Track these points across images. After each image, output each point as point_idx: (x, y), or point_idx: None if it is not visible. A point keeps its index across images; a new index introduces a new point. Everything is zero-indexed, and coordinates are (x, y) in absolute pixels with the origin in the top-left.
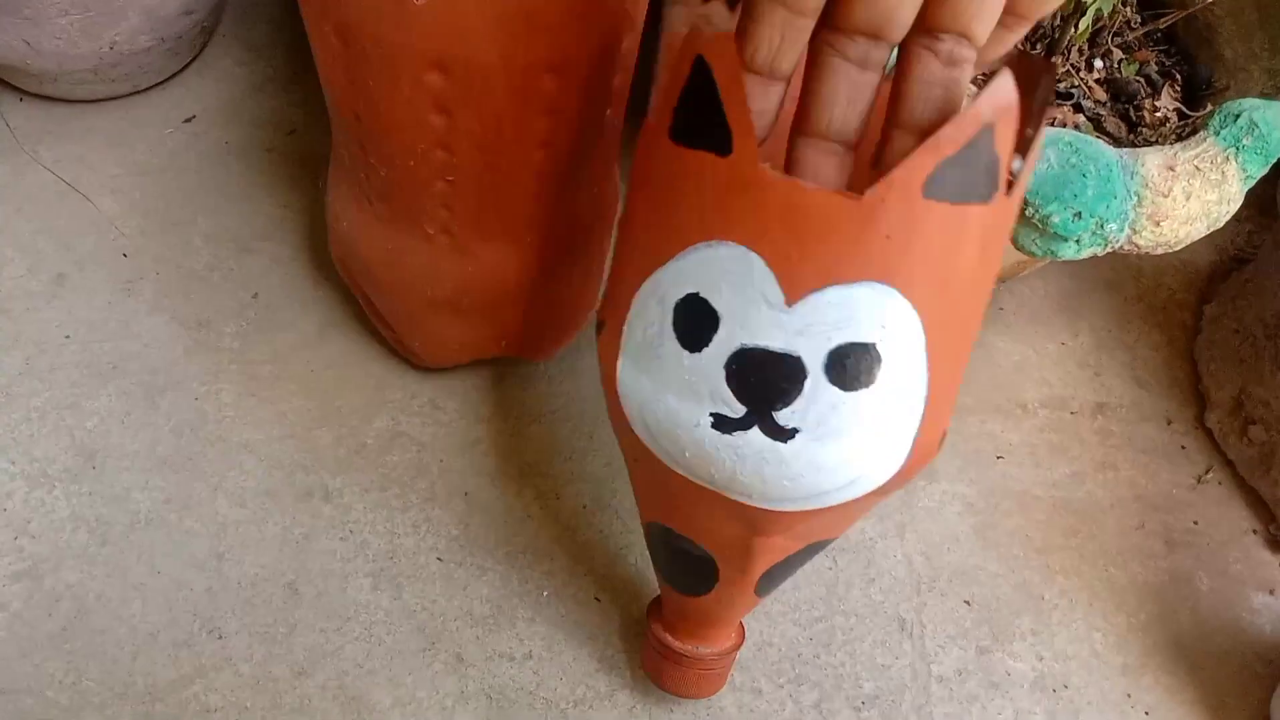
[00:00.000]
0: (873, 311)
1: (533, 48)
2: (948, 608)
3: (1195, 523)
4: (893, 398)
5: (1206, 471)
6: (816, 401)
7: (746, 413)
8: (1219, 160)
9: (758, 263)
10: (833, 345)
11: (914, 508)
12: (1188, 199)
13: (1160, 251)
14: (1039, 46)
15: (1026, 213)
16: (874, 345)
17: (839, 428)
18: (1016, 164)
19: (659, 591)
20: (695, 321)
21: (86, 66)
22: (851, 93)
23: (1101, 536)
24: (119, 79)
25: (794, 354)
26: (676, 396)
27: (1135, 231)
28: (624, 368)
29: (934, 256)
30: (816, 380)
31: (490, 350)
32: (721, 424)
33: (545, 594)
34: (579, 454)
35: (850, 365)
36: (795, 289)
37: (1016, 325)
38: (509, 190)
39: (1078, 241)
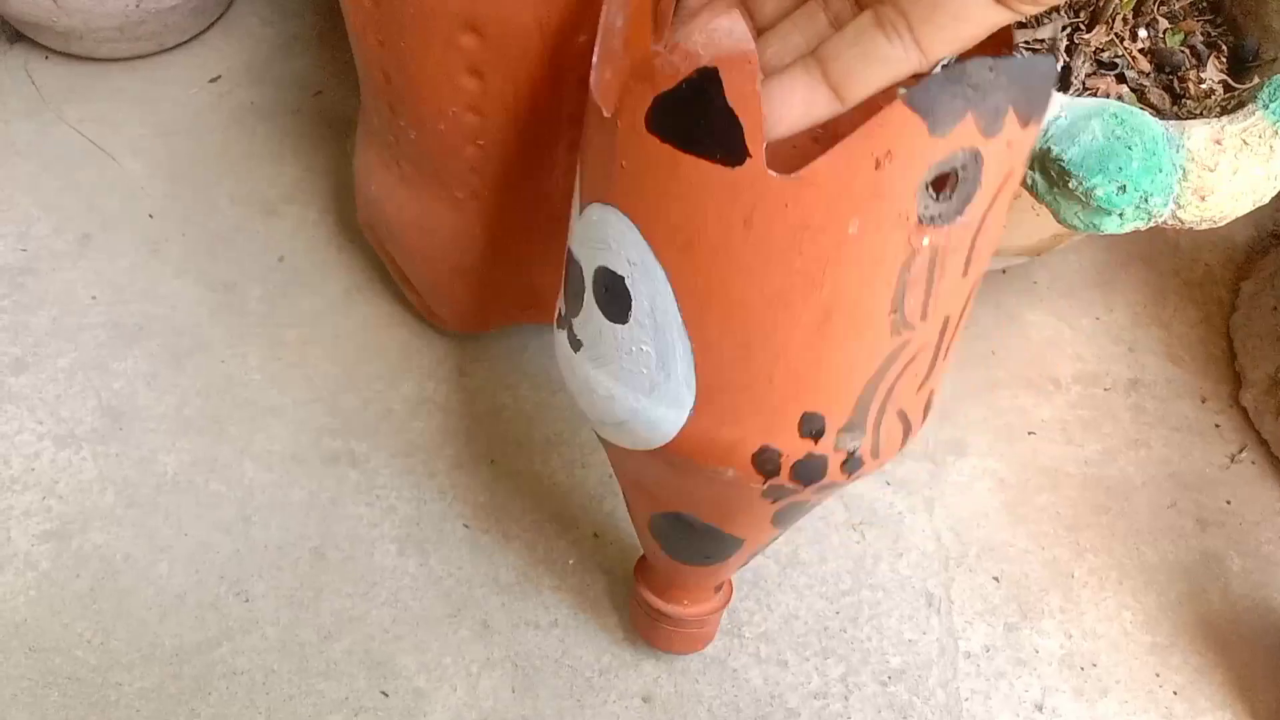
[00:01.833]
0: (620, 242)
1: (568, 7)
2: (976, 583)
3: (1228, 502)
4: (647, 346)
5: (1240, 450)
6: (590, 320)
7: (563, 313)
8: (1267, 134)
9: (578, 171)
10: (597, 263)
11: (943, 482)
12: (1234, 174)
13: (1204, 227)
14: (1082, 14)
15: (1070, 185)
16: (624, 279)
17: (605, 355)
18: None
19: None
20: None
21: (112, 25)
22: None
23: (1133, 514)
24: (144, 38)
25: (578, 261)
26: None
27: (1180, 206)
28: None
29: (670, 203)
30: (590, 297)
31: (516, 317)
32: (557, 319)
33: (571, 562)
34: None
35: (609, 291)
36: (582, 197)
37: (1050, 299)
38: (537, 156)
39: (1121, 215)
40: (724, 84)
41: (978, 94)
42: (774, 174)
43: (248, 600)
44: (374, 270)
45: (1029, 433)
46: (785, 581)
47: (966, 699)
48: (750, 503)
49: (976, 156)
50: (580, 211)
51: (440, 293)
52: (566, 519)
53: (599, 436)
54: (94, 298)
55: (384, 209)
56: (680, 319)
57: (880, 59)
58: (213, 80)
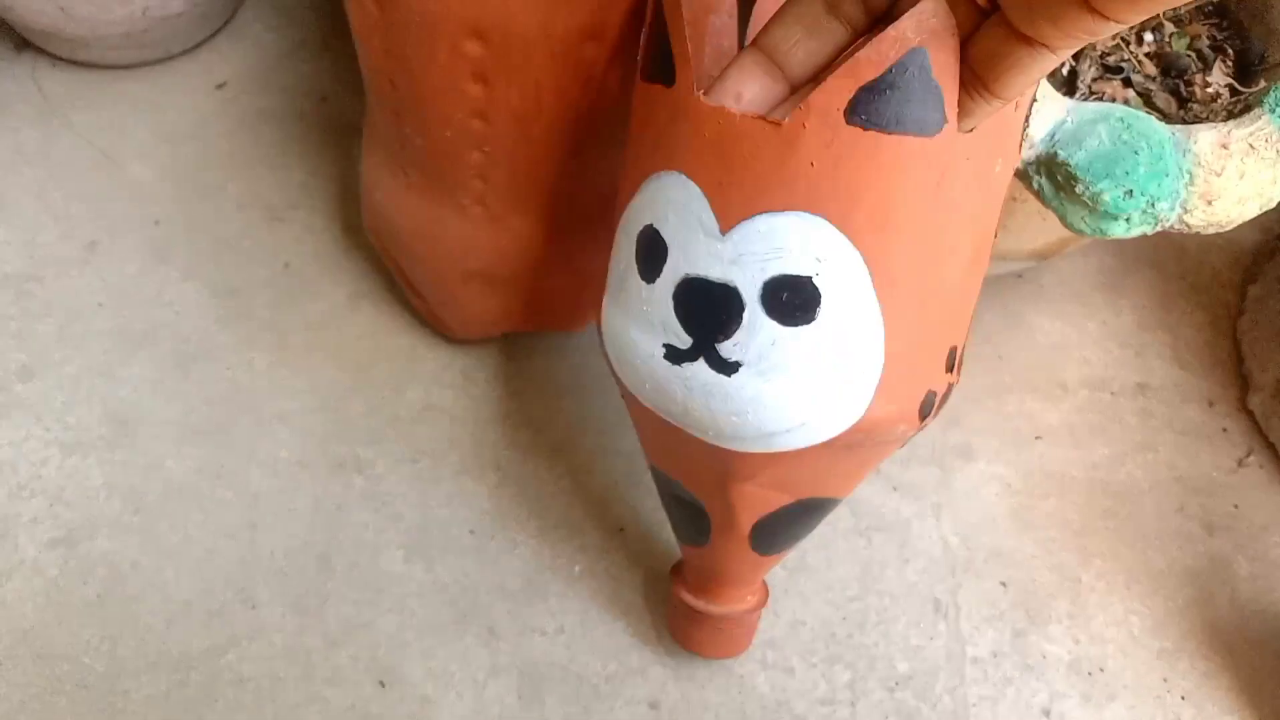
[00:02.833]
0: (804, 243)
1: (573, 15)
2: (983, 589)
3: (1235, 506)
4: (838, 337)
5: (1248, 455)
6: (756, 335)
7: (693, 344)
8: (1274, 139)
9: (695, 190)
10: (767, 276)
11: (950, 488)
12: (1241, 178)
13: (1211, 231)
14: None
15: (1076, 190)
16: (810, 279)
17: (780, 364)
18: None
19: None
20: (650, 251)
21: (119, 32)
22: (812, 27)
23: (1140, 519)
24: (151, 44)
25: (730, 283)
26: (637, 328)
27: (1187, 211)
28: (607, 304)
29: (868, 188)
30: (754, 312)
31: (523, 323)
32: (672, 355)
33: (577, 569)
34: (611, 428)
35: (787, 299)
36: (728, 217)
37: (1057, 303)
38: (545, 161)
39: (1128, 220)
40: (931, 60)
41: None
42: (962, 134)
43: (254, 607)
44: (380, 276)
45: (1036, 437)
46: (792, 588)
47: (974, 704)
48: (881, 456)
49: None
50: (724, 233)
51: (445, 299)
52: (573, 525)
53: (713, 453)
54: (100, 304)
55: (390, 215)
56: (876, 298)
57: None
58: (219, 87)
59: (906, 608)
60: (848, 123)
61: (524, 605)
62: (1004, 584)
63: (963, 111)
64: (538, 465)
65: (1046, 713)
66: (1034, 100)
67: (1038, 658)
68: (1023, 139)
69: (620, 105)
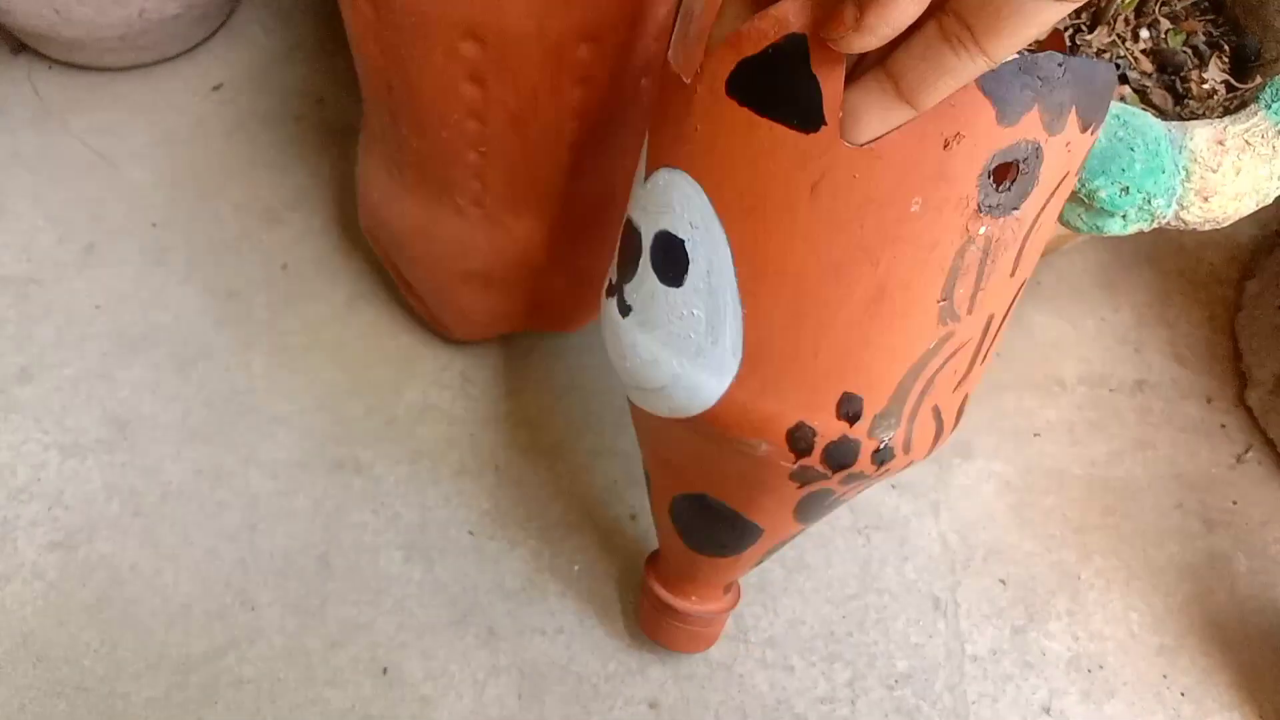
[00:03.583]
0: (684, 205)
1: (569, 16)
2: (982, 586)
3: (1234, 502)
4: (699, 308)
5: (1246, 450)
6: (643, 284)
7: (614, 281)
8: (1270, 134)
9: (646, 141)
10: (657, 229)
11: (949, 485)
12: (1237, 174)
13: (1208, 228)
14: (1084, 15)
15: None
16: (684, 242)
17: (654, 319)
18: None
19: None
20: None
21: (115, 34)
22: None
23: (1139, 516)
24: (147, 47)
25: (638, 228)
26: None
27: (1183, 207)
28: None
29: (739, 167)
30: (645, 262)
31: (520, 323)
32: (607, 288)
33: (577, 569)
34: (610, 428)
35: (666, 255)
36: (649, 164)
37: (1055, 300)
38: (541, 162)
39: (1124, 217)
40: (811, 50)
41: (1045, 87)
42: (846, 143)
43: (253, 609)
44: (378, 277)
45: (1034, 435)
46: (791, 586)
47: (974, 702)
48: (778, 485)
49: (1038, 151)
50: (646, 178)
51: (443, 300)
52: (572, 525)
53: (632, 409)
54: (98, 307)
55: (387, 216)
56: (736, 284)
57: (949, 70)
58: (215, 89)
59: (906, 606)
60: (727, 94)
61: (524, 605)
62: (1003, 581)
63: (856, 117)
64: (537, 465)
65: (1046, 710)
66: (1004, 171)
67: (1037, 655)
68: (980, 201)
69: (618, 106)
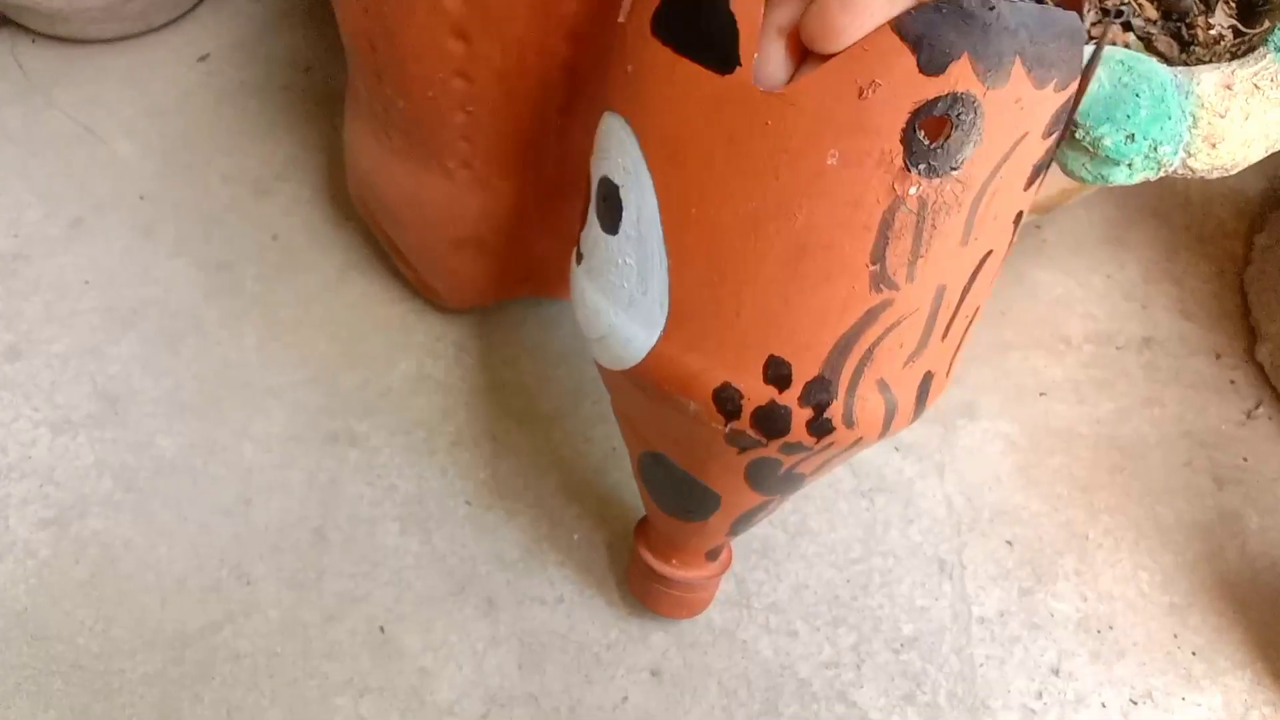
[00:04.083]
0: (620, 150)
1: None
2: (989, 548)
3: (1244, 459)
4: (631, 259)
5: (1256, 406)
6: (591, 230)
7: (577, 229)
8: (1279, 78)
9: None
10: (600, 174)
11: (954, 446)
12: (1246, 119)
13: (1216, 175)
14: None
15: (1076, 135)
16: (619, 188)
17: (598, 267)
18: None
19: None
20: None
21: (99, 5)
22: None
23: (1147, 474)
24: (131, 17)
25: (590, 174)
26: None
27: (1190, 154)
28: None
29: (663, 110)
30: (592, 208)
31: (514, 290)
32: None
33: (576, 537)
34: (606, 396)
35: (605, 201)
36: (599, 107)
37: (1059, 257)
38: (530, 121)
39: (1130, 165)
40: None
41: (973, 31)
42: (758, 87)
43: (249, 583)
44: (370, 247)
45: (1040, 394)
46: (794, 551)
47: (981, 665)
48: (717, 449)
49: (974, 105)
50: (598, 123)
51: (435, 267)
52: (570, 494)
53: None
54: (87, 282)
55: (375, 182)
56: (662, 233)
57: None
58: (202, 59)
59: (911, 569)
60: (652, 33)
61: (522, 575)
62: (1010, 542)
63: (766, 58)
64: (534, 434)
65: (1055, 671)
66: (957, 134)
67: (1045, 616)
68: (907, 158)
69: (606, 60)
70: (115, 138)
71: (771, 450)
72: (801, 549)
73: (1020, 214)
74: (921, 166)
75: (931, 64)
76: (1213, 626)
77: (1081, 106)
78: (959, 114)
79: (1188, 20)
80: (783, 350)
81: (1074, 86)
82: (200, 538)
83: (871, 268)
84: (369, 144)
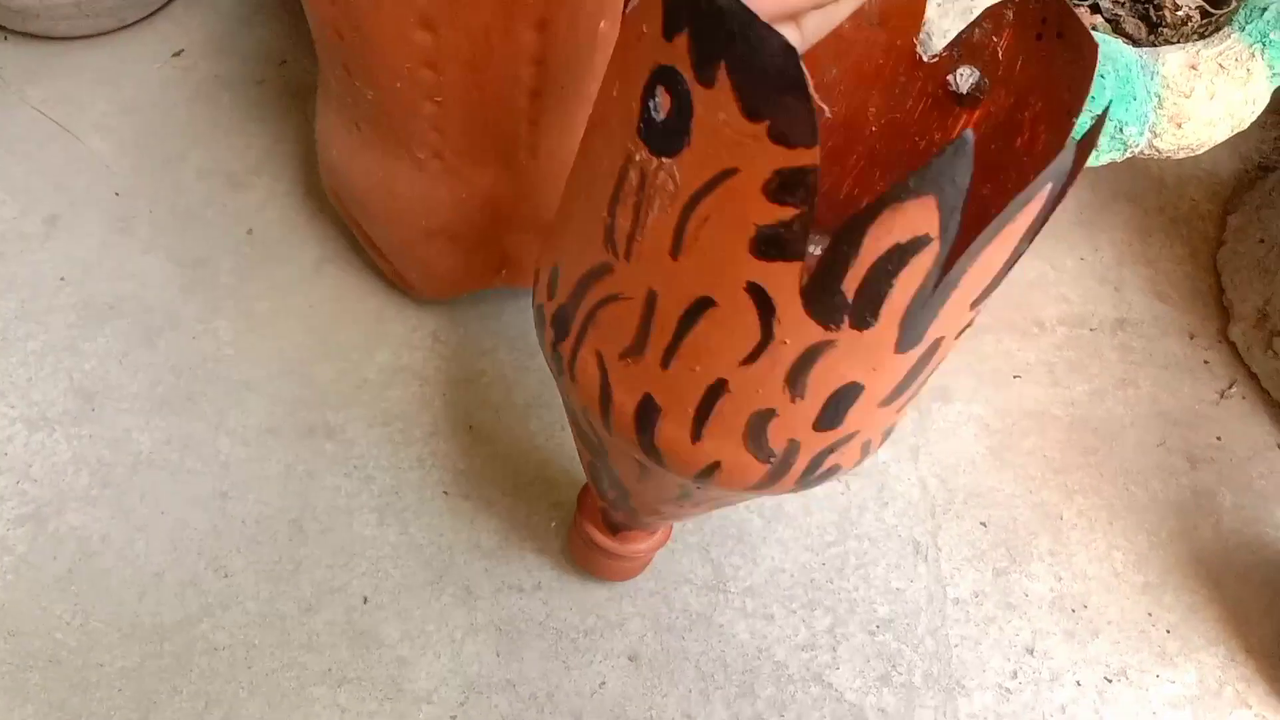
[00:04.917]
0: None
1: None
2: (963, 530)
3: (1218, 438)
4: None
5: (1230, 386)
6: None
7: None
8: (1244, 57)
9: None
10: None
11: (928, 430)
12: (1211, 99)
13: (1182, 155)
14: None
15: None
16: None
17: None
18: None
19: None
20: None
21: (70, 1)
22: None
23: (1121, 454)
24: (103, 14)
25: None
26: None
27: (1156, 135)
28: None
29: None
30: None
31: (489, 280)
32: None
33: (553, 524)
34: None
35: None
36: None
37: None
38: (500, 110)
39: (1096, 147)
40: None
41: (697, 13)
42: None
43: (227, 576)
44: (345, 239)
45: (1014, 376)
46: (770, 535)
47: (956, 645)
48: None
49: (685, 89)
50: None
51: (408, 258)
52: (547, 482)
53: None
54: (62, 279)
55: (347, 174)
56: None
57: None
58: (176, 54)
59: (886, 551)
60: None
61: (500, 563)
62: (984, 524)
63: None
64: (510, 423)
65: (1030, 650)
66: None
67: (1020, 596)
68: (640, 121)
69: (576, 52)
70: (89, 134)
71: (566, 348)
72: (778, 533)
73: (764, 293)
74: (647, 136)
75: (667, 29)
76: (1186, 604)
77: None
78: (678, 94)
79: (1155, 2)
80: (559, 262)
81: (807, 157)
82: (178, 531)
83: (606, 218)
84: (340, 136)
